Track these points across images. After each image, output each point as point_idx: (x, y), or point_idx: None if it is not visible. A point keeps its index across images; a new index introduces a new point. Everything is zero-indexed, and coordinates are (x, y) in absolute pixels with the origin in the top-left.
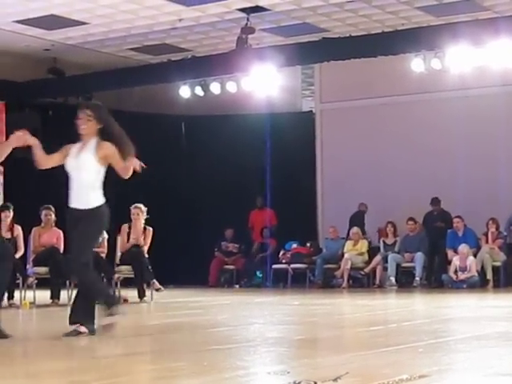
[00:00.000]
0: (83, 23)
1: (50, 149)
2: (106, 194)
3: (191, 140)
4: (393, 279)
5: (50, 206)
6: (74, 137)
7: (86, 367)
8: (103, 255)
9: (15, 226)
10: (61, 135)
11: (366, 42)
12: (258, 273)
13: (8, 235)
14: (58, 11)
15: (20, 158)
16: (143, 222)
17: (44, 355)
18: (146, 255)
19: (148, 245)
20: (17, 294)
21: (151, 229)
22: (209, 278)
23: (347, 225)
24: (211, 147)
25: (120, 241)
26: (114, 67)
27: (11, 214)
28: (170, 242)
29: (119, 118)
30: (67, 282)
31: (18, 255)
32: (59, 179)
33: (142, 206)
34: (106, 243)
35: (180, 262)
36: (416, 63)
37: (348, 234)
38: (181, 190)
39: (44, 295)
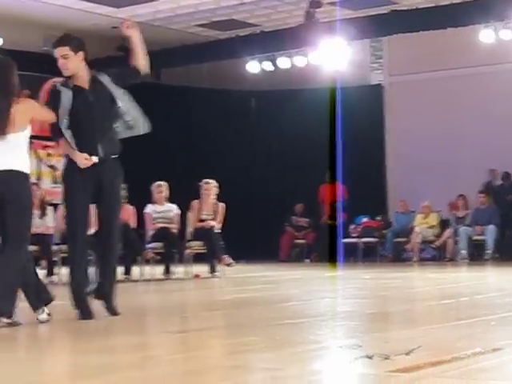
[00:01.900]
0: (151, 0)
1: None
2: (176, 170)
3: (260, 115)
4: (464, 252)
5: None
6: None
7: (158, 342)
8: (175, 231)
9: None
10: None
11: (434, 13)
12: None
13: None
14: None
15: None
16: (214, 197)
17: (118, 330)
18: (219, 231)
19: (220, 220)
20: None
21: (223, 204)
22: (279, 252)
23: (417, 198)
24: (280, 122)
25: (191, 217)
26: (182, 44)
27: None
28: (240, 218)
29: (188, 95)
30: (139, 258)
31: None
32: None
33: (212, 181)
34: (178, 219)
35: (251, 237)
36: (485, 34)
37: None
38: (250, 166)
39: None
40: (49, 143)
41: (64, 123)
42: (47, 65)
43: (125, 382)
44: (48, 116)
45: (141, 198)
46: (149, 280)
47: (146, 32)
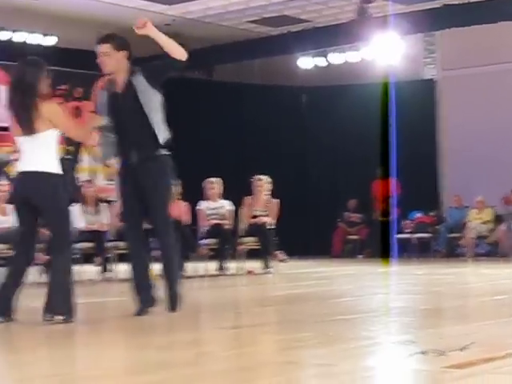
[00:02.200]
0: None
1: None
2: (228, 166)
3: (311, 111)
4: None
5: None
6: (194, 112)
7: (213, 338)
8: (228, 227)
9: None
10: (182, 109)
11: (487, 7)
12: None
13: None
14: None
15: None
16: (267, 193)
17: (174, 327)
18: (273, 227)
19: (274, 217)
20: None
21: (277, 201)
22: (332, 248)
23: (470, 193)
24: (332, 118)
25: (243, 213)
26: (233, 40)
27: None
28: (292, 214)
29: (240, 91)
30: (192, 254)
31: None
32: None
33: (265, 177)
34: (231, 215)
35: (303, 233)
36: None
37: None
38: (302, 162)
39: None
40: None
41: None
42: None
43: (180, 379)
44: (66, 126)
45: (194, 195)
46: (203, 276)
47: (197, 29)
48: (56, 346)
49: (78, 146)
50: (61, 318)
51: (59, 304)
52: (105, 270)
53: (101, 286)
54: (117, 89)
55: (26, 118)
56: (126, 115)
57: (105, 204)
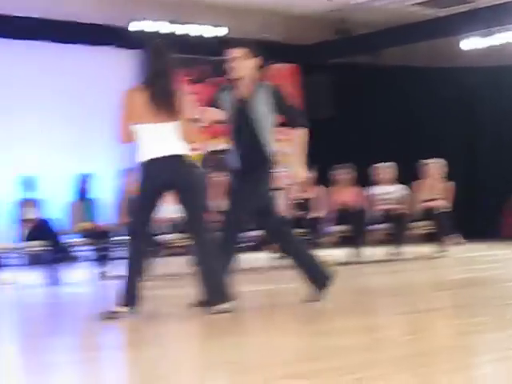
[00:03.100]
0: None
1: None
2: (399, 150)
3: (476, 92)
4: None
5: (347, 165)
6: (362, 97)
7: (388, 324)
8: (402, 212)
9: (316, 186)
10: (351, 94)
11: None
12: None
13: (309, 195)
14: None
15: (315, 120)
16: (439, 177)
17: (345, 312)
18: (448, 210)
19: (450, 200)
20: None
21: (452, 183)
22: (501, 229)
23: None
24: (496, 100)
25: (417, 197)
26: (400, 23)
27: (312, 174)
28: (466, 196)
29: (406, 74)
30: (366, 240)
31: (318, 214)
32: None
33: (438, 160)
34: (405, 199)
35: (470, 215)
36: None
37: None
38: (469, 143)
39: (344, 253)
40: (277, 128)
41: (233, 129)
42: (268, 51)
43: (356, 364)
44: (187, 121)
45: (366, 180)
46: (377, 261)
47: (363, 14)
48: (227, 333)
49: None
50: (224, 307)
51: (218, 293)
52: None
53: (274, 272)
54: (242, 95)
55: (168, 105)
56: (243, 122)
57: (280, 191)
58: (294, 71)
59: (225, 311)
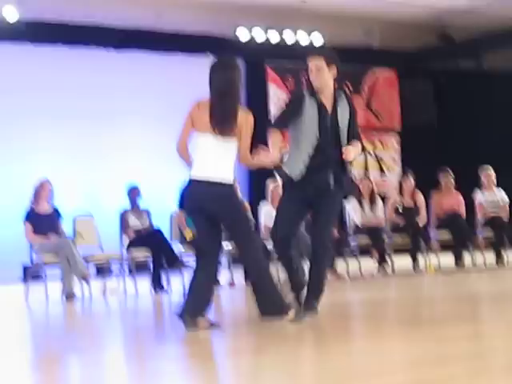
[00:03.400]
0: None
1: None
2: (502, 155)
3: None
4: None
5: (448, 169)
6: (464, 103)
7: (496, 331)
8: (505, 219)
9: (417, 193)
10: (453, 100)
11: None
12: None
13: (410, 203)
14: None
15: (415, 127)
16: None
17: (451, 320)
18: None
19: None
20: (421, 258)
21: None
22: None
23: None
24: None
25: None
26: (502, 28)
27: (411, 181)
28: None
29: (508, 79)
30: (470, 247)
31: (421, 223)
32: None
33: None
34: (507, 207)
35: None
36: None
37: None
38: None
39: (448, 260)
40: (374, 135)
41: (312, 141)
42: (368, 57)
43: (467, 373)
44: (247, 141)
45: (468, 185)
46: (481, 267)
47: (465, 19)
48: (334, 339)
49: None
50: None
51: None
52: (382, 264)
53: (379, 280)
54: (326, 106)
55: (226, 120)
56: (325, 133)
57: (380, 198)
58: (394, 77)
59: (297, 320)
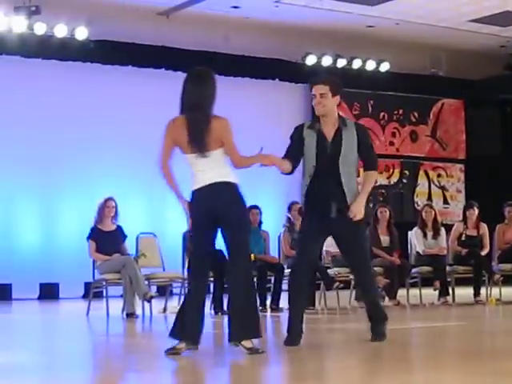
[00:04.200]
0: None
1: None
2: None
3: None
4: None
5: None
6: None
7: None
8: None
9: (481, 223)
10: None
11: None
12: None
13: (474, 233)
14: None
15: (480, 156)
16: None
17: (511, 353)
18: None
19: None
20: (483, 290)
21: None
22: None
23: None
24: None
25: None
26: None
27: (476, 211)
28: None
29: None
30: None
31: (483, 253)
32: None
33: None
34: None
35: None
36: None
37: None
38: None
39: (510, 292)
40: (438, 164)
41: (310, 169)
42: (434, 86)
43: None
44: (232, 146)
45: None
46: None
47: None
48: (392, 370)
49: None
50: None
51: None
52: (444, 294)
53: (439, 310)
54: (325, 133)
55: (200, 139)
56: (324, 160)
57: (443, 228)
58: (460, 106)
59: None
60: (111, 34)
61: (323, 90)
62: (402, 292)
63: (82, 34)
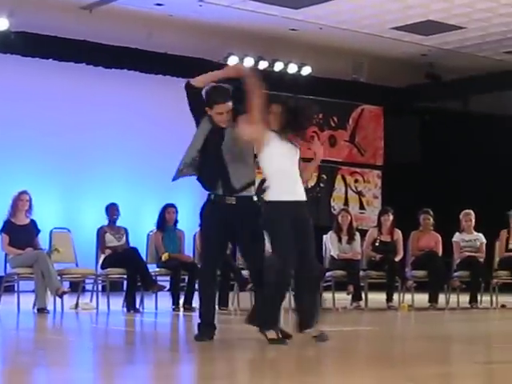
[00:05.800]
0: (460, 28)
1: (440, 156)
2: (481, 198)
3: None
4: None
5: (429, 210)
6: (449, 143)
7: (465, 373)
8: (481, 260)
9: (395, 229)
10: (438, 139)
11: None
12: None
13: (388, 238)
14: (434, 17)
15: (398, 163)
16: None
17: (422, 359)
18: None
19: None
20: (396, 296)
21: None
22: None
23: None
24: None
25: (498, 246)
26: (490, 71)
27: (390, 217)
28: None
29: (494, 122)
30: (445, 286)
31: (397, 258)
32: (438, 183)
33: None
34: (483, 248)
35: None
36: None
37: None
38: None
39: (422, 298)
40: (356, 169)
41: None
42: (355, 92)
43: None
44: None
45: (448, 226)
46: (454, 308)
47: (453, 60)
48: (310, 372)
49: None
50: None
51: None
52: (357, 298)
53: (352, 314)
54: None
55: None
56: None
57: (357, 232)
58: (380, 113)
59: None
60: (33, 27)
61: (229, 107)
62: None
63: (3, 24)
